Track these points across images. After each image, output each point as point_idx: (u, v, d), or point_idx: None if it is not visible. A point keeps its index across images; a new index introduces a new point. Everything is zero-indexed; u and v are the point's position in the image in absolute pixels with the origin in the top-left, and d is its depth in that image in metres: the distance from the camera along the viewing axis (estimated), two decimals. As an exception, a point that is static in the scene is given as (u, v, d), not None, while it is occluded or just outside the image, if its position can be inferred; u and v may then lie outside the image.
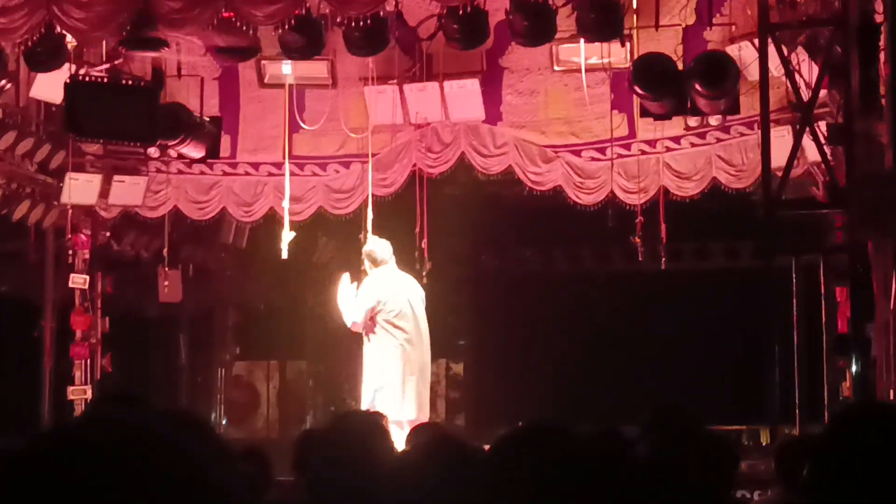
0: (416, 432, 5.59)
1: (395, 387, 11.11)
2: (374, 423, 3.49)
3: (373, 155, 12.78)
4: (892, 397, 8.69)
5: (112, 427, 1.32)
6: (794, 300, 11.66)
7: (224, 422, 17.02)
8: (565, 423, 3.00)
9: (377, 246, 11.54)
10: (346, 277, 11.38)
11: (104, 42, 11.56)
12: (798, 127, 9.80)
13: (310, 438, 5.36)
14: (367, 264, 11.47)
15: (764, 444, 15.37)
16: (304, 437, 5.63)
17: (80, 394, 13.24)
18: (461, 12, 10.62)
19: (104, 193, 13.05)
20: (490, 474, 2.86)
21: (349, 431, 3.41)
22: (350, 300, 11.21)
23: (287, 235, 12.72)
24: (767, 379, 16.38)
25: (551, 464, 2.71)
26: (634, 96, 11.63)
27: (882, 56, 8.87)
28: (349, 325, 11.24)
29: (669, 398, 5.17)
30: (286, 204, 12.80)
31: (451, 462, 3.12)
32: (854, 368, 9.30)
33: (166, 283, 14.16)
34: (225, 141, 13.06)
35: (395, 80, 12.41)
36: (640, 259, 12.70)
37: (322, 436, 3.54)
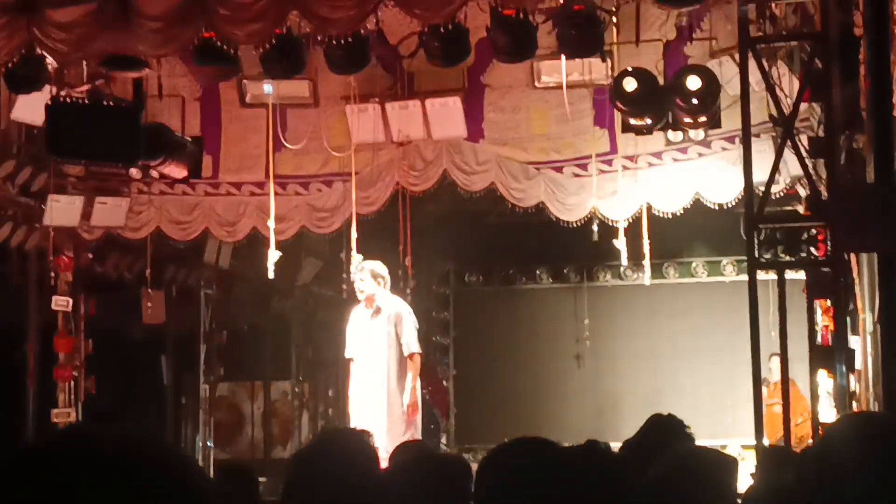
0: (399, 450, 5.57)
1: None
2: (361, 442, 3.48)
3: (355, 173, 12.77)
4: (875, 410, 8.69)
5: (77, 447, 1.31)
6: (778, 314, 11.64)
7: (209, 443, 16.95)
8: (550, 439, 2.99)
9: (381, 267, 11.48)
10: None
11: (85, 63, 11.53)
12: (779, 141, 9.81)
13: (299, 459, 5.33)
14: (375, 285, 11.31)
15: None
16: (296, 457, 5.61)
17: (64, 416, 13.18)
18: (442, 30, 10.59)
19: (86, 215, 13.01)
20: (478, 489, 2.84)
21: (336, 450, 3.40)
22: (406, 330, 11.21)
23: (273, 255, 12.66)
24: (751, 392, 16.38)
25: (541, 478, 2.69)
26: (615, 112, 11.65)
27: (862, 69, 8.89)
28: (414, 354, 11.24)
29: (655, 413, 5.15)
30: (271, 224, 12.75)
31: (434, 478, 3.11)
32: (838, 381, 9.29)
33: (150, 304, 14.12)
34: (207, 161, 13.02)
35: (376, 99, 12.41)
36: (625, 262, 12.69)
37: (307, 455, 3.52)
